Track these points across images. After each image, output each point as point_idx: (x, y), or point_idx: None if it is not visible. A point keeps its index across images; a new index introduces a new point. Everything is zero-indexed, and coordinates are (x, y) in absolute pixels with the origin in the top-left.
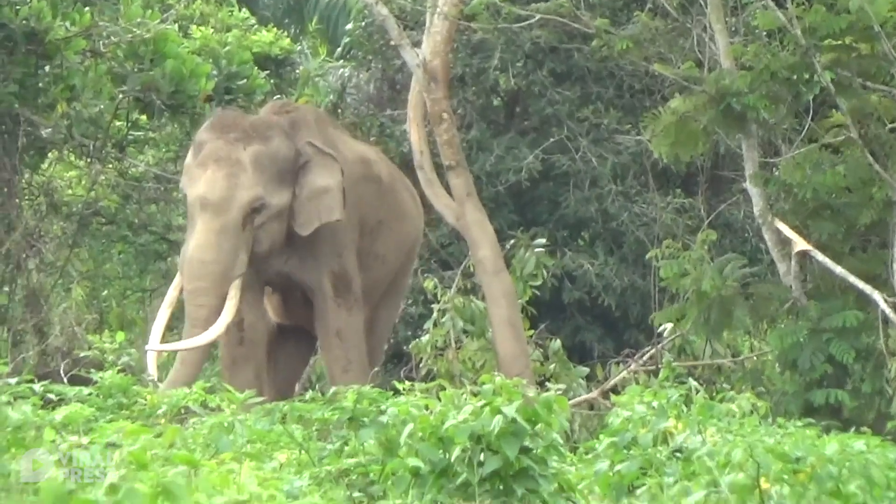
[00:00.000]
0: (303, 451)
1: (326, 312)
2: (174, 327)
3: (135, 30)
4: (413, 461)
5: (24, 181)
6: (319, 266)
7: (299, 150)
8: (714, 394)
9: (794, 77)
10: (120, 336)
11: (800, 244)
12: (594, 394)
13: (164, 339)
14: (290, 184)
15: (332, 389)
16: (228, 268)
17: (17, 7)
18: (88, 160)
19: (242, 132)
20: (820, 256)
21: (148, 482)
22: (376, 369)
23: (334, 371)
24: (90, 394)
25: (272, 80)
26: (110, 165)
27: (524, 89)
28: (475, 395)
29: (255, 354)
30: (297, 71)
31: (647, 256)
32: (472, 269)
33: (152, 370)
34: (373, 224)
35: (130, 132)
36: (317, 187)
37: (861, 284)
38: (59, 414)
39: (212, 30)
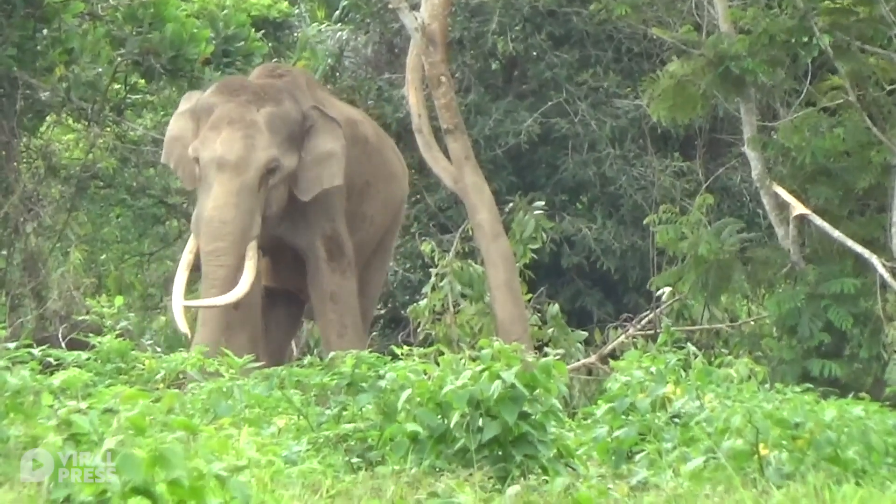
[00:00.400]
0: (301, 417)
1: (320, 276)
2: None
3: None
4: (411, 426)
5: (22, 144)
6: (312, 229)
7: (305, 114)
8: (712, 359)
9: (793, 40)
10: (118, 300)
11: (798, 208)
12: (592, 358)
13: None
14: (297, 147)
15: (331, 354)
16: (247, 228)
17: None
18: (87, 123)
19: (253, 94)
20: (818, 220)
21: (146, 448)
22: (374, 334)
23: (330, 335)
24: (88, 358)
25: (270, 44)
26: (108, 129)
27: (522, 53)
28: (473, 359)
29: (251, 318)
30: (296, 34)
31: (645, 221)
32: (470, 232)
33: (183, 327)
34: (360, 185)
35: (128, 95)
36: (322, 152)
37: (859, 248)
38: (58, 379)
39: None
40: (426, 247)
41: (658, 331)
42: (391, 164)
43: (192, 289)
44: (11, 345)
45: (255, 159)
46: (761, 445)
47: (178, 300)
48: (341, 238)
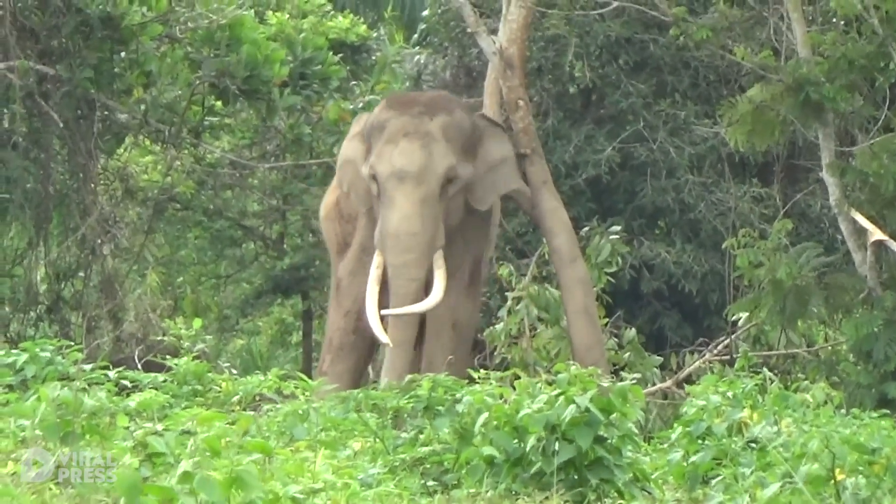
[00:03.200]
0: (377, 440)
1: (454, 300)
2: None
3: (211, 15)
4: (488, 450)
5: (99, 166)
6: (467, 250)
7: (474, 123)
8: (789, 384)
9: (871, 65)
10: (197, 323)
11: (876, 234)
12: (668, 383)
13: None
14: (472, 157)
15: (407, 378)
16: (433, 238)
17: None
18: (164, 146)
19: (424, 106)
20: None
21: (222, 470)
22: (450, 358)
23: (437, 359)
24: (165, 380)
25: (348, 67)
26: (186, 151)
27: (599, 81)
28: (550, 384)
29: (363, 346)
30: (373, 57)
31: (724, 245)
32: (547, 257)
33: (384, 338)
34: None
35: (206, 118)
36: (494, 158)
37: None
38: (134, 400)
39: (287, 16)
40: (503, 271)
41: (734, 356)
42: None
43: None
44: (88, 366)
45: (434, 168)
46: (838, 470)
47: (373, 311)
48: (483, 264)
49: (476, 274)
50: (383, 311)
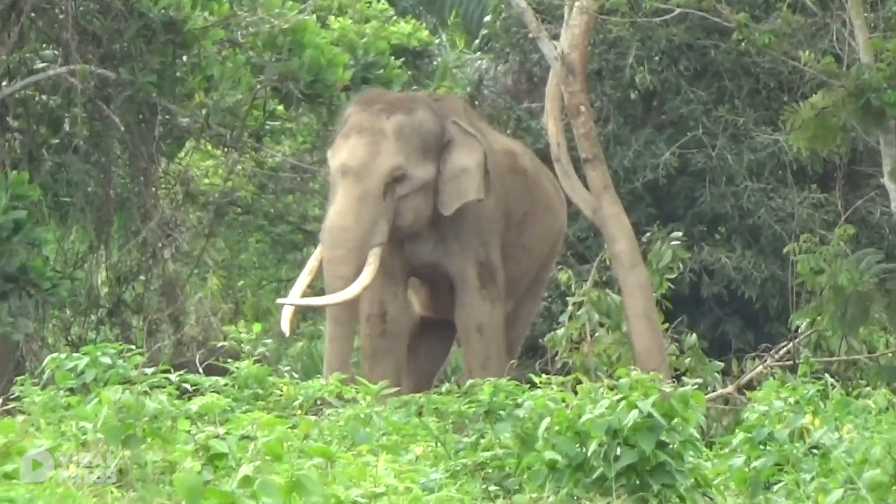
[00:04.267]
0: (439, 444)
1: (470, 304)
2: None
3: (273, 20)
4: (550, 455)
5: (160, 170)
6: (465, 254)
7: (444, 128)
8: (850, 390)
9: None
10: (257, 327)
11: None
12: (730, 388)
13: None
14: (434, 159)
15: (469, 382)
16: (367, 234)
17: None
18: (225, 150)
19: (387, 104)
20: None
21: (282, 474)
22: (512, 362)
23: (473, 365)
24: (226, 384)
25: (409, 72)
26: (247, 155)
27: (660, 86)
28: (611, 388)
29: (396, 347)
30: (435, 63)
31: (785, 250)
32: (608, 262)
33: (285, 326)
34: (519, 216)
35: (267, 122)
36: (457, 167)
37: None
38: (195, 404)
39: (350, 20)
40: (564, 276)
41: (796, 361)
42: (549, 195)
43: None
44: (149, 370)
45: (377, 165)
46: None
47: (291, 298)
48: (494, 266)
49: (486, 276)
50: (295, 301)
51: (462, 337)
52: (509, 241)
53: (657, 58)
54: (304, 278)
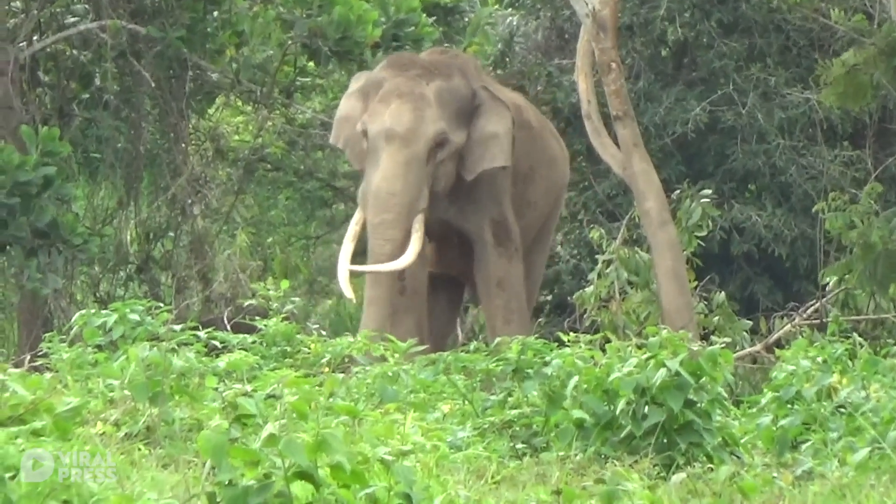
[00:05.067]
0: (466, 402)
1: (488, 261)
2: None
3: None
4: (577, 413)
5: (190, 126)
6: (480, 213)
7: (475, 92)
8: (878, 349)
9: None
10: (284, 284)
11: None
12: (758, 347)
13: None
14: (465, 124)
15: (497, 340)
16: (414, 200)
17: None
18: (255, 106)
19: (423, 69)
20: None
21: (309, 433)
22: (540, 321)
23: (496, 321)
24: (254, 342)
25: (440, 29)
26: (277, 112)
27: (691, 40)
28: (640, 347)
29: (417, 304)
30: (466, 19)
31: (815, 209)
32: (637, 220)
33: (349, 293)
34: (525, 171)
35: (297, 78)
36: (487, 132)
37: None
38: (223, 361)
39: None
40: (594, 234)
41: (825, 320)
42: (553, 149)
43: (356, 261)
44: (177, 327)
45: (423, 131)
46: None
47: (343, 266)
48: (509, 223)
49: (501, 234)
50: (351, 267)
51: (482, 294)
52: (515, 196)
53: (688, 13)
54: (349, 245)
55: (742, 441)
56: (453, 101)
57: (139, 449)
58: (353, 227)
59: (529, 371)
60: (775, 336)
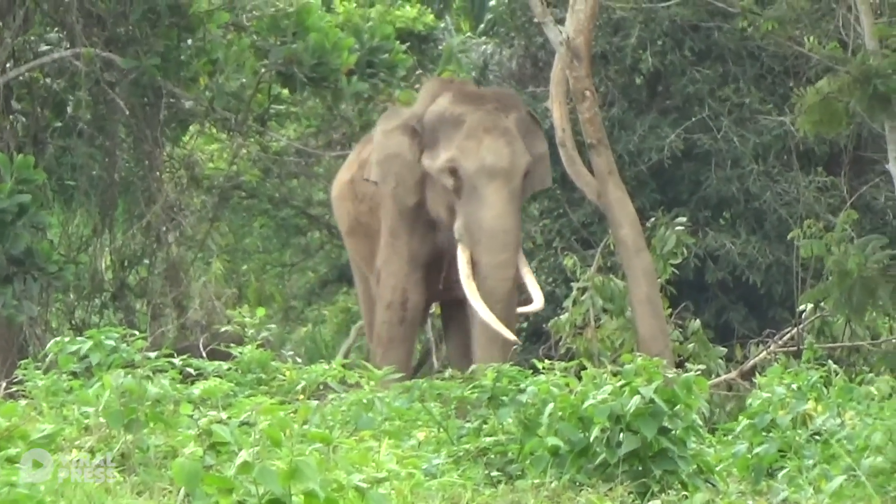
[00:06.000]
0: (441, 430)
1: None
2: None
3: (277, 3)
4: (552, 440)
5: (165, 154)
6: None
7: (530, 118)
8: (853, 376)
9: None
10: (260, 311)
11: None
12: (733, 374)
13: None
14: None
15: (472, 367)
16: (520, 233)
17: None
18: (230, 134)
19: (496, 101)
20: None
21: (283, 460)
22: (515, 348)
23: (487, 346)
24: (229, 369)
25: (414, 56)
26: (252, 139)
27: (665, 68)
28: (615, 374)
29: (411, 335)
30: (440, 47)
31: (790, 236)
32: (612, 247)
33: (509, 334)
34: None
35: (272, 106)
36: (539, 153)
37: None
38: (198, 388)
39: (354, 4)
40: (568, 261)
41: (800, 347)
42: None
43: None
44: (152, 354)
45: (519, 165)
46: None
47: (483, 309)
48: None
49: None
50: (521, 310)
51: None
52: None
53: (660, 41)
54: (471, 286)
55: (717, 468)
56: (526, 132)
57: (114, 476)
58: (466, 267)
59: (504, 398)
60: (750, 363)
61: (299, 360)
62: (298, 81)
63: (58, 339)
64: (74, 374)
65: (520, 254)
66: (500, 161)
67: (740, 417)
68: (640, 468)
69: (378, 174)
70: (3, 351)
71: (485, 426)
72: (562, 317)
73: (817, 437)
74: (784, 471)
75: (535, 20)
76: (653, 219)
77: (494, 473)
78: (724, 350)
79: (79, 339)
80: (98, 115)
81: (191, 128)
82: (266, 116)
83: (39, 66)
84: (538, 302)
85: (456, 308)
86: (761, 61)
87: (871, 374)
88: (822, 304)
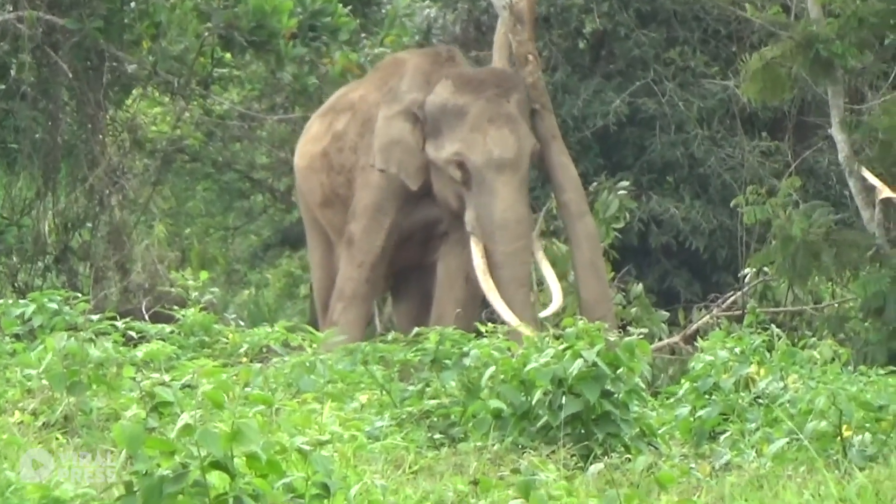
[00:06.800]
0: (384, 392)
1: (464, 254)
2: None
3: None
4: (495, 403)
5: (108, 117)
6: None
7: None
8: (796, 341)
9: (882, 23)
10: (203, 274)
11: (885, 191)
12: (676, 338)
13: None
14: None
15: (414, 330)
16: (532, 222)
17: None
18: (173, 97)
19: (495, 86)
20: None
21: (225, 423)
22: (458, 311)
23: (449, 311)
24: (172, 331)
25: (357, 20)
26: (195, 103)
27: (609, 31)
28: (557, 338)
29: (372, 297)
30: (384, 11)
31: (733, 203)
32: (555, 211)
33: (525, 329)
34: None
35: (215, 69)
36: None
37: None
38: (141, 351)
39: None
40: None
41: (743, 312)
42: None
43: None
44: (95, 317)
45: (526, 151)
46: (844, 427)
47: (500, 304)
48: None
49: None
50: (544, 313)
51: (447, 282)
52: None
53: (605, 4)
54: (487, 279)
55: (659, 432)
56: (527, 110)
57: (56, 438)
58: (481, 261)
59: (447, 361)
60: (693, 327)
61: (242, 324)
62: (238, 45)
63: (0, 301)
64: (17, 337)
65: (535, 241)
66: (506, 152)
67: (683, 381)
68: (583, 431)
69: (381, 160)
70: None
71: (428, 389)
72: None
73: (760, 401)
74: (726, 434)
75: None
76: (595, 183)
77: (437, 436)
78: (667, 314)
79: (21, 301)
80: (41, 77)
81: (134, 91)
82: (209, 80)
83: None
84: (557, 301)
85: (410, 271)
86: (706, 25)
87: (813, 339)
88: (765, 268)
